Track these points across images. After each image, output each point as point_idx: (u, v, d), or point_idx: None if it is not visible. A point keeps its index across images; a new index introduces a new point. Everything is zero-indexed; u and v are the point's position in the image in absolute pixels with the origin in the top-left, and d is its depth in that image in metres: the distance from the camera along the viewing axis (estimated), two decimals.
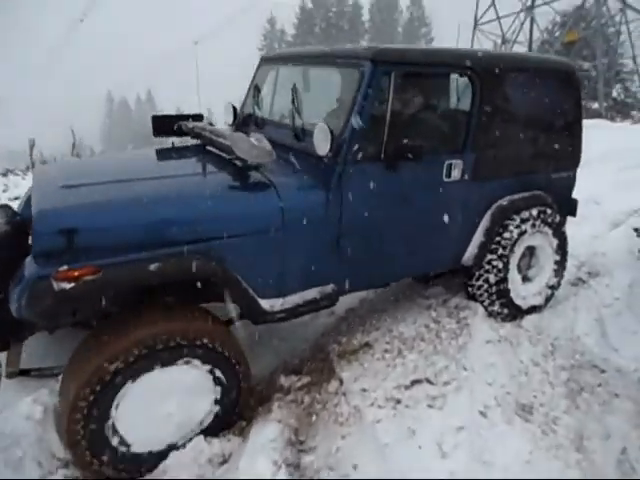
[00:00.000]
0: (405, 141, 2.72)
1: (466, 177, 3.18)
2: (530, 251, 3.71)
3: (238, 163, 2.70)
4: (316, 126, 2.65)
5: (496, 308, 3.50)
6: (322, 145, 2.63)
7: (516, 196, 3.48)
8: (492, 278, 3.41)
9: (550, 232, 3.63)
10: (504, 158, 3.38)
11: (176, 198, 2.43)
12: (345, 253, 2.81)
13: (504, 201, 3.43)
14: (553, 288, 3.79)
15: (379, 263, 3.01)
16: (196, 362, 2.33)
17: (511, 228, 3.40)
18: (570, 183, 3.94)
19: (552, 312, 3.74)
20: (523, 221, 3.43)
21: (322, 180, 2.71)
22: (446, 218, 3.20)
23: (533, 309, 3.69)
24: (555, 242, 3.70)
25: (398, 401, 2.44)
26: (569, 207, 4.00)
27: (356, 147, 2.68)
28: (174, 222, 2.34)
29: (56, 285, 2.03)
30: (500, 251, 3.39)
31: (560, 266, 3.80)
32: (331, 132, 2.58)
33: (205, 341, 2.31)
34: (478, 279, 3.48)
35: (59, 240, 2.13)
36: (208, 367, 2.37)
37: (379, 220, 2.88)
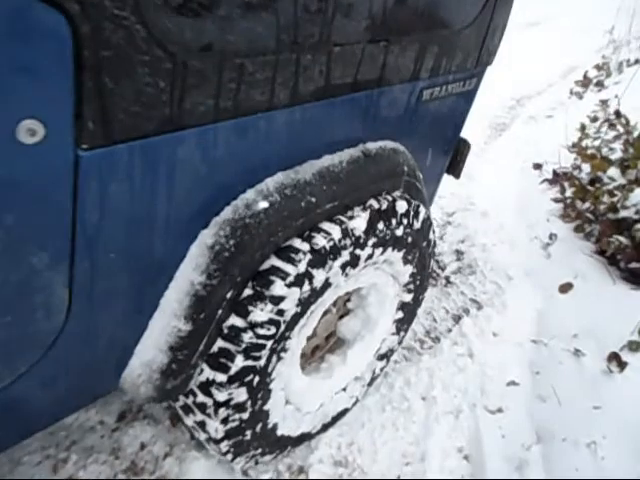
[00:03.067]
0: None
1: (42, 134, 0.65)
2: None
3: None
4: None
5: (229, 457, 1.31)
6: None
7: (304, 172, 1.07)
8: (216, 426, 1.15)
9: (400, 256, 1.38)
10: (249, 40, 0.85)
11: None
12: None
13: (257, 197, 1.00)
14: (389, 354, 1.70)
15: None
16: None
17: (278, 288, 1.04)
18: (465, 104, 1.61)
19: (372, 418, 1.70)
20: (318, 260, 1.08)
21: None
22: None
23: (330, 423, 1.59)
24: (407, 271, 1.49)
25: None
26: (452, 160, 1.74)
27: None
28: None
29: None
30: (236, 364, 1.07)
31: (411, 312, 1.66)
32: None
33: None
34: (187, 412, 1.20)
35: None
36: None
37: None
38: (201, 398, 1.10)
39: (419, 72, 1.22)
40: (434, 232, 1.50)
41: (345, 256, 1.12)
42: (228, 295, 1.00)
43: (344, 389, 1.55)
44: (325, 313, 1.43)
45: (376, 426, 1.66)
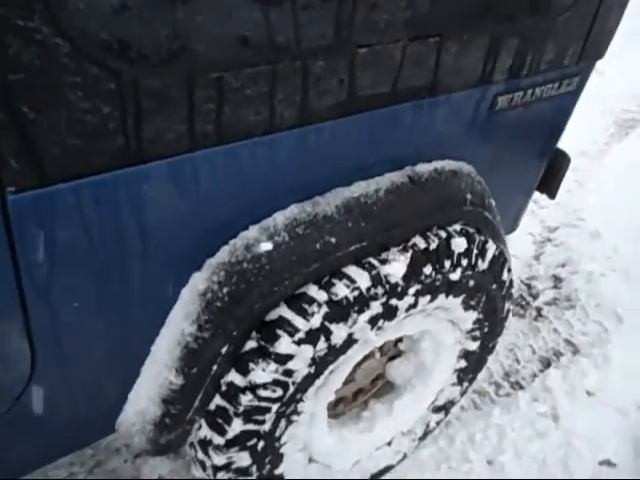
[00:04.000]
0: None
1: None
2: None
3: None
4: None
5: None
6: None
7: (325, 204, 0.86)
8: None
9: (458, 302, 1.12)
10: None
11: None
12: None
13: (261, 236, 0.82)
14: (447, 407, 1.44)
15: None
16: None
17: (284, 345, 0.86)
18: (563, 109, 1.27)
19: None
20: (338, 313, 0.87)
21: None
22: None
23: None
24: (471, 318, 1.21)
25: None
26: (545, 176, 1.41)
27: None
28: None
29: None
30: (233, 428, 0.91)
31: (479, 361, 1.38)
32: None
33: None
34: (193, 462, 1.07)
35: None
36: None
37: None
38: (200, 455, 0.97)
39: (491, 74, 0.94)
40: (510, 270, 1.20)
41: (375, 308, 0.90)
42: (223, 350, 0.84)
43: (388, 443, 1.33)
44: (365, 358, 1.22)
45: None
